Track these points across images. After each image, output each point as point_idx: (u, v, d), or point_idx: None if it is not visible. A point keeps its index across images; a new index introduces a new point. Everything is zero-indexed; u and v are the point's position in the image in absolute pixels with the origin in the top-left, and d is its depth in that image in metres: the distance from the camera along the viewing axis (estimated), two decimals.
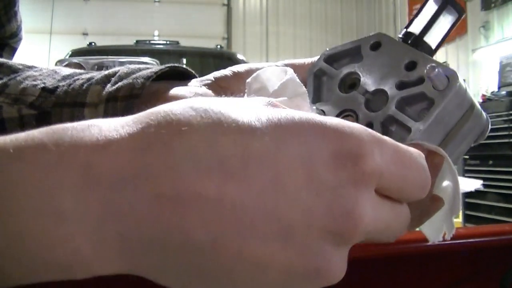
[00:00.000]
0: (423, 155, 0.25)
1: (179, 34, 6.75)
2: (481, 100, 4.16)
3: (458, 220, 3.99)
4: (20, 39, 0.52)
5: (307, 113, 0.22)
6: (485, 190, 3.65)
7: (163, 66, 0.35)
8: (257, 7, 8.16)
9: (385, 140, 0.23)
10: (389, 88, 0.31)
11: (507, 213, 3.40)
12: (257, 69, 0.35)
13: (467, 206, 3.81)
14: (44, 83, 0.35)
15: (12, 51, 0.52)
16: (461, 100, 0.30)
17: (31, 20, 6.98)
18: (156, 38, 7.43)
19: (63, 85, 0.35)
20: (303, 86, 0.31)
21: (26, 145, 0.19)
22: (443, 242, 0.76)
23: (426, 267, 0.77)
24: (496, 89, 4.58)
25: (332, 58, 0.36)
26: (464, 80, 0.30)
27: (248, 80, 0.32)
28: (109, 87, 0.34)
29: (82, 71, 0.37)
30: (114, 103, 0.33)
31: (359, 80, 0.33)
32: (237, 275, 0.20)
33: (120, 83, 0.34)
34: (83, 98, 0.34)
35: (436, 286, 0.78)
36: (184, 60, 3.41)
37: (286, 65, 0.36)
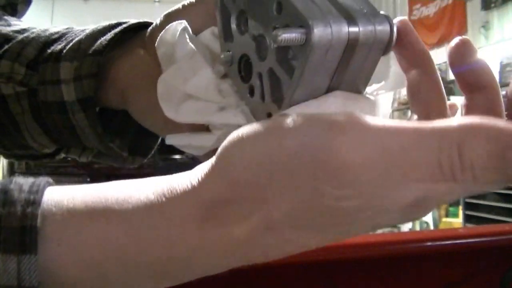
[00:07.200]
0: None
1: None
2: None
3: (458, 220, 3.99)
4: (29, 3, 0.54)
5: None
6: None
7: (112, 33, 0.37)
8: None
9: None
10: (267, 33, 0.28)
11: (507, 213, 3.40)
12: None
13: (467, 206, 3.80)
14: (27, 57, 0.38)
15: (17, 13, 0.53)
16: (330, 44, 0.25)
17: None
18: None
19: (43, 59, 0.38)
20: (189, 44, 0.30)
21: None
22: (443, 242, 0.76)
23: (426, 267, 0.77)
24: None
25: None
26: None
27: (156, 44, 0.33)
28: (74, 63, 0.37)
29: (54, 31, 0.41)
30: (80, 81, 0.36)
31: (247, 19, 0.30)
32: None
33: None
34: (58, 76, 0.37)
35: (436, 286, 0.78)
36: None
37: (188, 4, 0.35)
